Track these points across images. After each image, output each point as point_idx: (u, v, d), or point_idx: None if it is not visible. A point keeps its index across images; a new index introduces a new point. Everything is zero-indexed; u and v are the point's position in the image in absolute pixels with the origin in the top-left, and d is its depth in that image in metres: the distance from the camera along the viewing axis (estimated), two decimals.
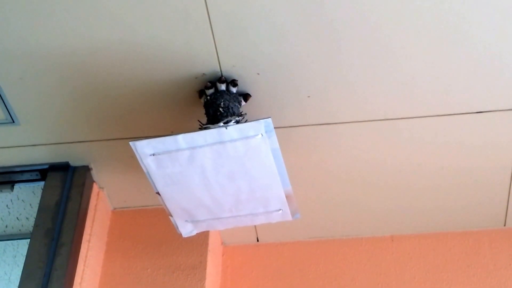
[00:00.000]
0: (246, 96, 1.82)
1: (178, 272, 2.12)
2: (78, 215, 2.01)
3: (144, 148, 1.66)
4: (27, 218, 2.52)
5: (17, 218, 2.53)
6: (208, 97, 1.78)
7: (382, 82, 1.80)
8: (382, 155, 2.05)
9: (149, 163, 1.69)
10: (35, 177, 2.13)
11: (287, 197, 1.79)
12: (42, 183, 2.12)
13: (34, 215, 2.05)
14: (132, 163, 1.94)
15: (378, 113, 1.91)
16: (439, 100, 1.86)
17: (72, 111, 1.91)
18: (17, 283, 1.87)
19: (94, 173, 2.15)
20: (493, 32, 1.67)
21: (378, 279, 2.28)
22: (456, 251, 2.31)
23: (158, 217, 2.24)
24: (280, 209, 1.84)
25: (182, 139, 1.63)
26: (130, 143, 1.65)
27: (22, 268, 1.89)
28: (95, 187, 2.17)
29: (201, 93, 1.81)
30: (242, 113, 1.77)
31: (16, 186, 2.18)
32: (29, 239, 1.97)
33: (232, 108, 1.75)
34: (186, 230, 1.92)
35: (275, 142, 1.65)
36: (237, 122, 1.70)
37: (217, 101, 1.76)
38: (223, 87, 1.77)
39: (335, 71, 1.77)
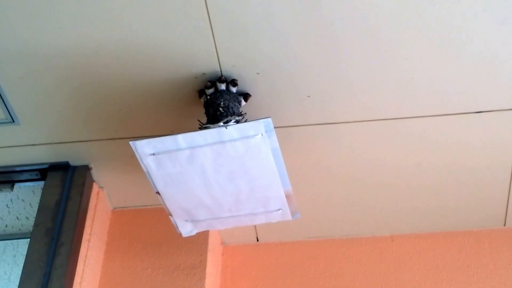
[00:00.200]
0: (246, 96, 1.82)
1: (178, 271, 2.12)
2: (78, 214, 2.01)
3: (144, 148, 1.66)
4: (27, 217, 2.53)
5: (17, 217, 2.53)
6: (208, 97, 1.78)
7: (382, 82, 1.80)
8: (382, 154, 2.05)
9: (149, 163, 1.69)
10: (35, 177, 2.13)
11: (287, 196, 1.80)
12: (42, 183, 2.12)
13: (34, 214, 2.05)
14: (132, 163, 1.94)
15: (378, 113, 1.91)
16: (438, 100, 1.86)
17: (72, 110, 1.91)
18: (17, 283, 1.87)
19: (94, 173, 2.15)
20: (492, 32, 1.67)
21: (378, 279, 2.29)
22: (456, 251, 2.31)
23: (158, 216, 2.24)
24: (280, 209, 1.84)
25: (182, 139, 1.63)
26: (130, 142, 1.65)
27: (22, 268, 1.89)
28: (95, 187, 2.17)
29: (201, 92, 1.81)
30: (242, 113, 1.77)
31: (16, 185, 2.18)
32: (29, 239, 1.97)
33: (232, 107, 1.75)
34: (186, 229, 1.92)
35: (275, 141, 1.65)
36: (237, 121, 1.70)
37: (217, 100, 1.76)
38: (223, 86, 1.77)
39: (335, 70, 1.78)
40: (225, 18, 1.65)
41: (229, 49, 1.72)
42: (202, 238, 2.17)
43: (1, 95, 1.85)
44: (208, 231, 2.18)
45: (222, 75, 1.78)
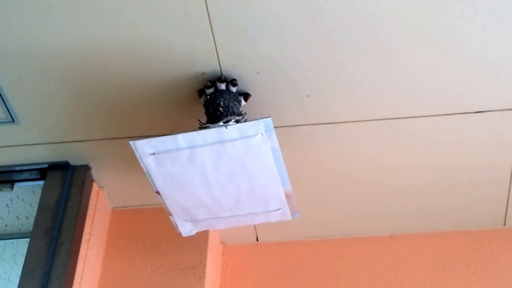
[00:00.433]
0: (246, 96, 1.82)
1: (177, 271, 2.12)
2: (77, 214, 2.02)
3: (144, 148, 1.66)
4: (26, 217, 2.53)
5: (17, 217, 2.53)
6: (208, 97, 1.78)
7: (382, 82, 1.81)
8: (382, 154, 2.05)
9: (149, 163, 1.69)
10: (35, 176, 2.13)
11: (286, 196, 1.80)
12: (42, 182, 2.12)
13: (34, 214, 2.05)
14: (132, 163, 1.94)
15: (377, 112, 1.91)
16: (438, 99, 1.86)
17: (71, 110, 1.91)
18: (17, 282, 1.87)
19: (94, 172, 2.15)
20: (492, 32, 1.67)
21: (377, 279, 2.29)
22: (455, 250, 2.31)
23: (157, 216, 2.24)
24: (279, 209, 1.84)
25: (182, 139, 1.63)
26: (130, 142, 1.65)
27: (21, 267, 1.89)
28: (94, 186, 2.17)
29: (201, 92, 1.81)
30: (242, 113, 1.77)
31: (16, 185, 2.18)
32: (28, 238, 1.97)
33: (232, 107, 1.75)
34: (186, 229, 1.92)
35: (275, 141, 1.65)
36: (237, 121, 1.70)
37: (217, 100, 1.76)
38: (223, 86, 1.77)
39: (335, 70, 1.78)
40: (225, 18, 1.65)
41: (229, 49, 1.72)
42: (202, 237, 2.17)
43: (1, 94, 1.85)
44: (208, 230, 2.18)
45: (222, 75, 1.78)
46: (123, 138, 2.00)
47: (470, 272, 2.26)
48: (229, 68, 1.77)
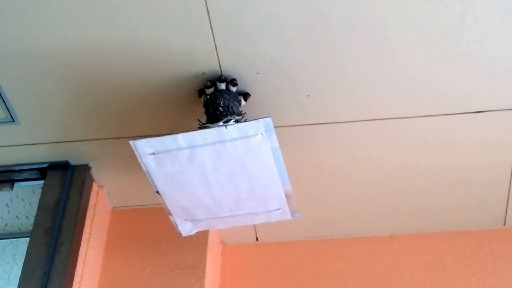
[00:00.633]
0: (245, 95, 1.82)
1: (177, 271, 2.12)
2: (77, 214, 2.02)
3: (144, 147, 1.66)
4: (26, 216, 2.53)
5: (16, 216, 2.53)
6: (208, 96, 1.78)
7: (382, 82, 1.81)
8: (382, 154, 2.05)
9: (149, 162, 1.69)
10: (34, 176, 2.13)
11: (286, 196, 1.80)
12: (41, 182, 2.12)
13: (34, 213, 2.06)
14: (132, 162, 1.94)
15: (378, 112, 1.91)
16: (438, 99, 1.86)
17: (71, 110, 1.91)
18: (17, 282, 1.87)
19: (94, 172, 2.15)
20: (493, 32, 1.67)
21: (377, 279, 2.29)
22: (455, 250, 2.31)
23: (157, 216, 2.24)
24: (279, 208, 1.84)
25: (182, 138, 1.63)
26: (130, 142, 1.65)
27: (21, 267, 1.89)
28: (94, 186, 2.17)
29: (201, 92, 1.81)
30: (241, 112, 1.77)
31: (16, 184, 2.18)
32: (28, 238, 1.97)
33: (232, 107, 1.75)
34: (186, 229, 1.92)
35: (275, 141, 1.65)
36: (237, 121, 1.70)
37: (216, 100, 1.76)
38: (223, 86, 1.77)
39: (335, 70, 1.78)
40: (225, 18, 1.65)
41: (229, 49, 1.72)
42: (201, 237, 2.17)
43: (1, 94, 1.85)
44: (207, 230, 2.18)
45: (222, 75, 1.78)
46: (123, 137, 2.00)
47: (470, 272, 2.26)
48: (229, 68, 1.77)
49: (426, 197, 2.21)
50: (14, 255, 2.74)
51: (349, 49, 1.72)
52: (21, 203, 2.46)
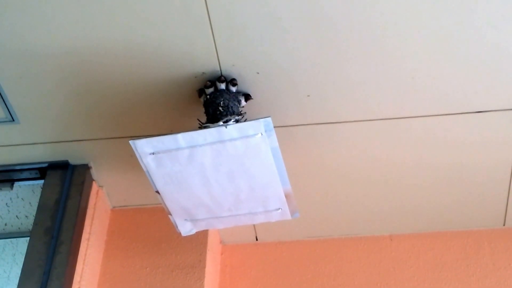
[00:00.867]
0: (246, 97, 1.82)
1: (177, 271, 2.12)
2: (77, 213, 2.02)
3: (143, 147, 1.66)
4: (26, 216, 2.53)
5: (16, 216, 2.53)
6: (208, 96, 1.78)
7: (382, 82, 1.81)
8: (381, 154, 2.05)
9: (148, 162, 1.69)
10: (34, 176, 2.13)
11: (286, 196, 1.80)
12: (41, 182, 2.12)
13: (34, 213, 2.05)
14: (132, 162, 1.94)
15: (378, 112, 1.91)
16: (438, 99, 1.86)
17: (71, 110, 1.91)
18: (16, 282, 1.87)
19: (94, 172, 2.15)
20: (492, 32, 1.67)
21: (376, 278, 2.29)
22: (455, 250, 2.31)
23: (157, 216, 2.24)
24: (279, 208, 1.84)
25: (182, 138, 1.63)
26: (130, 142, 1.65)
27: (21, 267, 1.89)
28: (94, 186, 2.17)
29: (201, 92, 1.81)
30: (241, 112, 1.77)
31: (16, 184, 2.18)
32: (28, 238, 1.97)
33: (231, 107, 1.75)
34: (185, 229, 1.92)
35: (275, 141, 1.65)
36: (237, 121, 1.70)
37: (216, 100, 1.76)
38: (222, 86, 1.77)
39: (335, 70, 1.78)
40: (225, 18, 1.65)
41: (229, 49, 1.72)
42: (201, 237, 2.17)
43: (1, 94, 1.85)
44: (207, 230, 2.18)
45: (221, 75, 1.78)
46: (122, 137, 2.00)
47: (470, 272, 2.26)
48: (229, 67, 1.77)
49: (425, 197, 2.21)
50: (14, 255, 2.73)
51: (349, 49, 1.72)
52: (21, 202, 2.46)
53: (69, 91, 1.85)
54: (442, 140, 1.99)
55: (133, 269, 2.14)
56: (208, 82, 1.78)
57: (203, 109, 1.80)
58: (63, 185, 2.07)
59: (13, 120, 1.93)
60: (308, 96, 1.85)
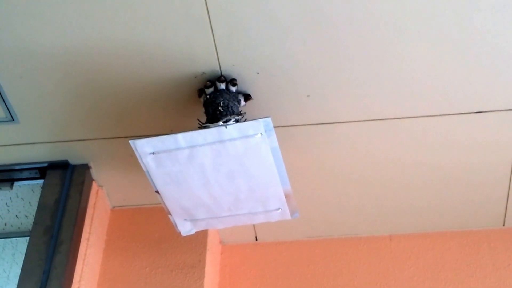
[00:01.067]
0: (246, 97, 1.82)
1: (176, 270, 2.12)
2: (77, 213, 2.02)
3: (143, 147, 1.66)
4: (26, 216, 2.53)
5: (16, 216, 2.53)
6: (208, 96, 1.78)
7: (382, 82, 1.81)
8: (381, 154, 2.05)
9: (148, 162, 1.69)
10: (34, 175, 2.13)
11: (286, 196, 1.80)
12: (41, 181, 2.12)
13: (33, 213, 2.05)
14: (132, 162, 1.94)
15: (377, 112, 1.91)
16: (438, 100, 1.86)
17: (71, 109, 1.91)
18: (16, 281, 1.87)
19: (94, 172, 2.15)
20: (493, 32, 1.67)
21: (376, 278, 2.29)
22: (454, 250, 2.31)
23: (157, 215, 2.24)
24: (279, 208, 1.84)
25: (182, 138, 1.63)
26: (130, 141, 1.65)
27: (21, 266, 1.89)
28: (94, 186, 2.17)
29: (201, 92, 1.81)
30: (241, 112, 1.77)
31: (16, 184, 2.18)
32: (28, 237, 1.97)
33: (231, 107, 1.75)
34: (185, 229, 1.92)
35: (275, 141, 1.65)
36: (237, 121, 1.70)
37: (216, 100, 1.76)
38: (222, 86, 1.77)
39: (335, 70, 1.78)
40: (225, 18, 1.65)
41: (229, 49, 1.72)
42: (201, 237, 2.17)
43: (1, 93, 1.85)
44: (207, 230, 2.18)
45: (221, 75, 1.78)
46: (122, 137, 2.00)
47: (469, 272, 2.26)
48: (229, 67, 1.77)
49: (425, 197, 2.21)
50: (14, 254, 2.73)
51: (349, 49, 1.72)
52: (21, 202, 2.45)
53: (69, 91, 1.85)
54: (442, 140, 2.00)
55: (132, 269, 2.14)
56: (208, 82, 1.78)
57: (203, 109, 1.80)
58: (63, 185, 2.07)
59: (13, 120, 1.93)
60: (308, 96, 1.85)
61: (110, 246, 2.20)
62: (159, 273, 2.12)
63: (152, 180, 1.74)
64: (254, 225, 2.36)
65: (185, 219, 1.88)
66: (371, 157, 2.06)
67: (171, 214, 1.86)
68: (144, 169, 1.71)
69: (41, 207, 2.03)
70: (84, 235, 2.05)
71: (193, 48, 1.72)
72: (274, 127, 1.62)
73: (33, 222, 2.00)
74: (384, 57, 1.74)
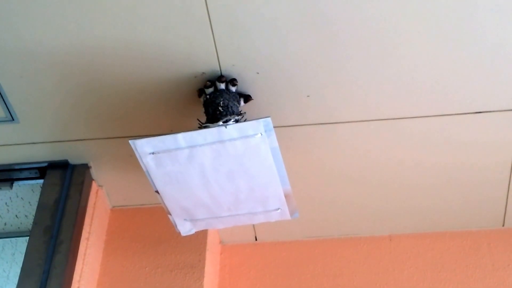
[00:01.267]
0: (246, 98, 1.82)
1: (176, 270, 2.12)
2: (77, 213, 2.02)
3: (143, 147, 1.66)
4: (26, 216, 2.53)
5: (16, 216, 2.53)
6: (208, 96, 1.78)
7: (382, 82, 1.81)
8: (381, 154, 2.05)
9: (148, 162, 1.69)
10: (34, 175, 2.13)
11: (286, 196, 1.80)
12: (41, 181, 2.12)
13: (33, 213, 2.06)
14: (131, 162, 1.94)
15: (377, 113, 1.91)
16: (438, 100, 1.86)
17: (71, 109, 1.91)
18: (16, 281, 1.87)
19: (93, 171, 2.15)
20: (492, 33, 1.67)
21: (376, 279, 2.29)
22: (454, 251, 2.31)
23: (157, 215, 2.24)
24: (279, 208, 1.84)
25: (182, 138, 1.64)
26: (130, 141, 1.65)
27: (21, 266, 1.89)
28: (94, 185, 2.17)
29: (201, 92, 1.81)
30: (241, 112, 1.77)
31: (15, 184, 2.18)
32: (28, 237, 1.97)
33: (231, 107, 1.75)
34: (185, 228, 1.92)
35: (275, 141, 1.65)
36: (237, 121, 1.70)
37: (216, 100, 1.76)
38: (222, 86, 1.77)
39: (335, 70, 1.78)
40: (225, 18, 1.65)
41: (229, 49, 1.72)
42: (200, 237, 2.17)
43: (1, 93, 1.85)
44: (206, 230, 2.18)
45: (221, 75, 1.78)
46: (122, 137, 2.00)
47: (469, 273, 2.26)
48: (229, 67, 1.77)
49: (425, 197, 2.21)
50: (13, 254, 2.73)
51: (349, 49, 1.72)
52: (21, 202, 2.45)
53: (69, 91, 1.85)
54: (441, 141, 2.00)
55: (132, 268, 2.14)
56: (208, 82, 1.78)
57: (203, 109, 1.80)
58: (63, 185, 2.07)
59: (13, 120, 1.93)
60: (308, 96, 1.85)
61: (110, 246, 2.20)
62: (158, 273, 2.12)
63: (152, 180, 1.74)
64: (253, 225, 2.36)
65: (184, 219, 1.88)
66: (371, 157, 2.06)
67: (171, 214, 1.86)
68: (144, 169, 1.72)
69: (41, 207, 2.03)
70: (84, 235, 2.05)
71: (193, 48, 1.72)
72: (274, 127, 1.63)
73: (32, 222, 2.00)
74: (384, 57, 1.74)
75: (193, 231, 1.94)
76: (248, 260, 2.39)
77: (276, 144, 1.66)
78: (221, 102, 1.75)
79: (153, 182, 1.75)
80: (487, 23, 1.65)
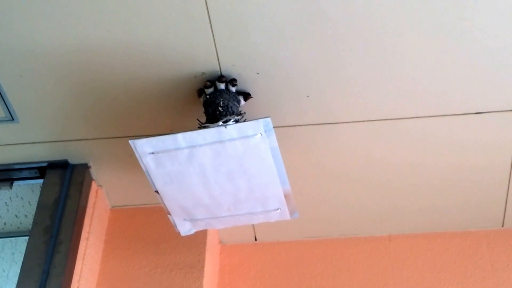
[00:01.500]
0: (246, 96, 1.82)
1: (176, 270, 2.12)
2: (76, 213, 2.02)
3: (143, 147, 1.66)
4: (25, 215, 2.53)
5: (15, 215, 2.53)
6: (208, 96, 1.78)
7: (381, 82, 1.81)
8: (381, 154, 2.05)
9: (148, 162, 1.69)
10: (34, 175, 2.13)
11: (285, 196, 1.80)
12: (41, 181, 2.12)
13: (33, 212, 2.05)
14: (131, 162, 1.94)
15: (377, 113, 1.91)
16: (437, 100, 1.86)
17: (71, 109, 1.91)
18: (16, 281, 1.87)
19: (93, 171, 2.15)
20: (492, 33, 1.67)
21: (375, 279, 2.29)
22: (453, 251, 2.32)
23: (156, 215, 2.24)
24: (278, 208, 1.84)
25: (182, 138, 1.64)
26: (130, 141, 1.65)
27: (20, 266, 1.89)
28: (93, 185, 2.17)
29: (201, 92, 1.81)
30: (241, 112, 1.77)
31: (15, 183, 2.18)
32: (27, 237, 1.97)
33: (231, 107, 1.75)
34: (185, 228, 1.92)
35: (274, 141, 1.65)
36: (236, 121, 1.70)
37: (216, 100, 1.76)
38: (222, 86, 1.77)
39: (335, 70, 1.78)
40: (225, 18, 1.65)
41: (229, 49, 1.72)
42: (200, 237, 2.17)
43: (1, 93, 1.85)
44: (206, 230, 2.18)
45: (221, 75, 1.78)
46: (122, 137, 2.00)
47: (468, 273, 2.26)
48: (229, 68, 1.77)
49: (424, 197, 2.21)
50: (13, 254, 2.73)
51: (349, 49, 1.72)
52: (20, 202, 2.46)
53: (69, 91, 1.85)
54: (441, 141, 2.00)
55: (132, 268, 2.14)
56: (208, 82, 1.79)
57: (203, 109, 1.80)
58: (63, 185, 2.07)
59: (13, 119, 1.93)
60: (307, 96, 1.85)
61: (110, 245, 2.20)
62: (158, 273, 2.12)
63: (151, 180, 1.74)
64: (253, 225, 2.36)
65: (184, 219, 1.88)
66: (371, 157, 2.06)
67: (170, 214, 1.86)
68: (144, 169, 1.72)
69: (40, 206, 2.03)
70: (84, 234, 2.05)
71: (193, 48, 1.72)
72: (273, 127, 1.63)
73: (32, 222, 2.00)
74: (384, 58, 1.74)
75: (192, 231, 1.94)
76: (248, 260, 2.39)
77: (276, 144, 1.66)
78: (221, 102, 1.75)
79: (152, 182, 1.75)
80: (487, 23, 1.65)
